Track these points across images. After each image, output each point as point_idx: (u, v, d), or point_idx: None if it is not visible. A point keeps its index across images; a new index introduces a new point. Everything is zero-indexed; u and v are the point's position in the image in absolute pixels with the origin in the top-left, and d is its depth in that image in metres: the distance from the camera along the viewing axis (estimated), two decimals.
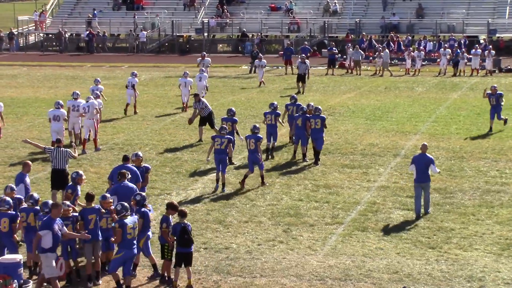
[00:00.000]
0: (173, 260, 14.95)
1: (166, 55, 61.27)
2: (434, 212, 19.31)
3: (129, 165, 17.91)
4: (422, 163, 19.10)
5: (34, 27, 68.14)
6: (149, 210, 15.53)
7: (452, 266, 15.78)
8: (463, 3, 61.68)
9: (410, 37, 57.40)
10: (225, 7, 64.93)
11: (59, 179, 19.33)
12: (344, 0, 64.33)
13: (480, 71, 48.01)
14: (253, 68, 49.09)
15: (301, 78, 40.41)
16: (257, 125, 22.30)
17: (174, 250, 14.95)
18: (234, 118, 24.77)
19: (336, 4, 63.44)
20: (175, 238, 14.72)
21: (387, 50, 48.97)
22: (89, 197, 15.29)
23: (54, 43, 66.36)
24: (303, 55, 44.73)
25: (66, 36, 64.76)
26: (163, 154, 25.75)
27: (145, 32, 62.75)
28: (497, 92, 29.58)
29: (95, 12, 66.23)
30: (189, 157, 25.37)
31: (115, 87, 40.59)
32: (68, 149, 19.91)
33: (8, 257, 14.00)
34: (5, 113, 33.52)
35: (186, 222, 14.84)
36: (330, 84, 43.38)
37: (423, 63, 49.87)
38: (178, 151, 26.30)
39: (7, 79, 45.94)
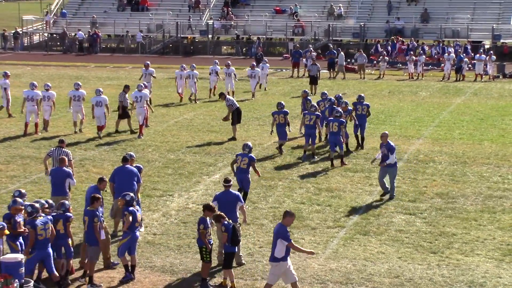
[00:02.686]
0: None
1: (170, 56, 61.30)
2: (436, 216, 19.31)
3: (129, 165, 17.90)
4: (385, 149, 20.95)
5: (40, 27, 68.22)
6: (137, 211, 15.51)
7: (454, 271, 15.76)
8: (468, 8, 61.66)
9: (415, 42, 57.28)
10: (230, 9, 64.98)
11: None
12: (349, 4, 64.35)
13: (484, 76, 47.97)
14: None
15: (314, 80, 40.94)
16: (339, 109, 24.96)
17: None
18: (285, 110, 26.12)
19: (341, 7, 63.44)
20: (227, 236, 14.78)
21: (342, 53, 49.01)
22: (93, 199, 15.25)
23: (58, 43, 66.48)
24: (314, 55, 45.63)
25: (71, 35, 64.97)
26: (166, 156, 25.77)
27: (141, 34, 62.87)
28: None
29: (65, 11, 66.93)
30: (191, 158, 25.38)
31: (118, 88, 40.49)
32: (68, 151, 19.86)
33: (10, 256, 14.00)
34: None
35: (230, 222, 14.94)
36: (334, 88, 43.35)
37: (425, 67, 49.81)
38: (180, 152, 26.31)
39: (11, 78, 45.45)
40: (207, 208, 15.01)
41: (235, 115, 28.31)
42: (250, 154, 19.68)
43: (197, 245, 15.13)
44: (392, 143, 21.19)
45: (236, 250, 15.15)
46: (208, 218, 14.89)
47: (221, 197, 16.17)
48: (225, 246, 14.84)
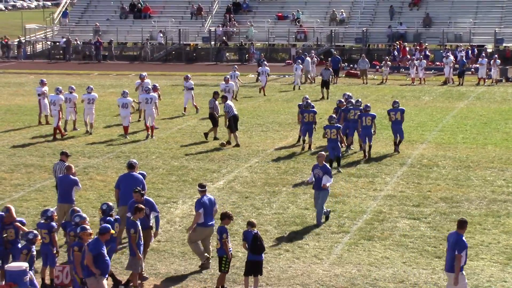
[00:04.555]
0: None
1: (173, 63, 61.39)
2: (440, 221, 19.30)
3: (135, 172, 17.88)
4: (321, 171, 19.12)
5: (43, 35, 68.40)
6: (116, 220, 15.48)
7: None
8: (470, 12, 61.65)
9: (418, 47, 57.24)
10: (232, 15, 65.07)
11: None
12: (351, 9, 64.40)
13: (486, 80, 47.95)
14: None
15: (326, 84, 41.43)
16: (368, 104, 26.55)
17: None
18: (314, 109, 27.60)
19: (343, 13, 63.47)
20: (246, 245, 14.76)
21: (308, 58, 49.06)
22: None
23: (61, 51, 66.56)
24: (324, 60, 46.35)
25: (76, 43, 65.09)
26: (170, 162, 25.78)
27: (161, 35, 63.19)
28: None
29: (67, 11, 67.44)
30: (195, 165, 25.39)
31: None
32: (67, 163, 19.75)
33: (14, 264, 14.03)
34: (12, 120, 33.79)
35: (256, 230, 14.85)
36: (337, 93, 43.34)
37: (428, 72, 49.72)
38: (184, 159, 26.32)
39: (15, 87, 46.07)
40: (227, 216, 15.01)
41: (232, 122, 28.20)
42: (336, 125, 23.81)
43: (217, 255, 15.05)
44: (328, 166, 19.71)
45: (262, 258, 14.92)
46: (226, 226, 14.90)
47: (206, 203, 16.18)
48: (248, 254, 14.80)
